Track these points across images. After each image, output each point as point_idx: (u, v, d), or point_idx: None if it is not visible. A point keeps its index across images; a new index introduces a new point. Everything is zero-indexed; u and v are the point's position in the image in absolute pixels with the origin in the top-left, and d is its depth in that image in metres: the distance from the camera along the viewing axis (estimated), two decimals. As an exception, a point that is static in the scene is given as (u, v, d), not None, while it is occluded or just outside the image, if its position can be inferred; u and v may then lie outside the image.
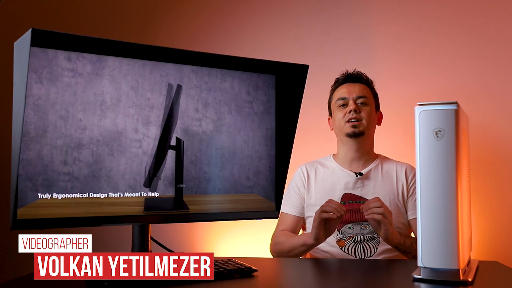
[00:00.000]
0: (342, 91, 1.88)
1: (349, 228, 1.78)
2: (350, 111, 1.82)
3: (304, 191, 1.88)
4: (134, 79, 1.43)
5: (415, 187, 1.83)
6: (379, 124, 1.94)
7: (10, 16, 2.46)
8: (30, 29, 1.18)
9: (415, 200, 1.81)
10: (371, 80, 1.93)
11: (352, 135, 1.83)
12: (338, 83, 1.92)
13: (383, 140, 2.21)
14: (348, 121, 1.83)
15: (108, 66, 1.39)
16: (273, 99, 1.65)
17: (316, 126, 2.27)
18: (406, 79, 2.39)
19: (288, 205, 1.88)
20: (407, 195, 1.83)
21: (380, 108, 1.97)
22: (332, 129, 1.93)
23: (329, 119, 1.96)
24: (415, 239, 1.70)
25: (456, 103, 1.12)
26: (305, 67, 1.60)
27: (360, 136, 1.83)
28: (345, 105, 1.85)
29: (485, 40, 2.32)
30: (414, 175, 1.86)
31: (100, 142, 1.37)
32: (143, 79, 1.44)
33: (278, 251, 1.79)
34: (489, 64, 2.31)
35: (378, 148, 1.95)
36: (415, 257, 1.31)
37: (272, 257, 1.83)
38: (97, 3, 2.56)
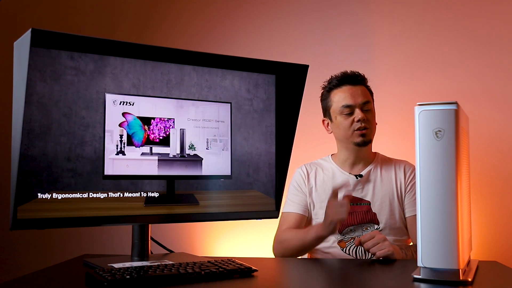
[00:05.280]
0: (345, 96, 1.79)
1: (350, 229, 1.77)
2: (359, 120, 1.76)
3: (306, 189, 1.86)
4: (136, 77, 1.43)
5: (412, 184, 1.82)
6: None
7: (10, 16, 2.46)
8: (30, 29, 1.18)
9: (412, 197, 1.81)
10: (366, 79, 1.87)
11: (362, 144, 1.79)
12: (334, 84, 1.83)
13: (382, 140, 2.21)
14: (357, 130, 1.77)
15: (110, 64, 1.40)
16: (273, 97, 1.65)
17: (316, 125, 2.26)
18: (406, 79, 2.39)
19: (291, 205, 1.85)
20: (405, 192, 1.82)
21: (380, 108, 1.97)
22: (331, 132, 1.88)
23: (323, 120, 1.90)
24: (415, 247, 1.68)
25: (456, 103, 1.12)
26: (305, 67, 1.60)
27: (369, 143, 1.82)
28: (351, 112, 1.78)
29: (485, 40, 2.32)
30: (412, 172, 1.84)
31: (102, 139, 1.38)
32: (144, 77, 1.44)
33: (285, 249, 1.74)
34: (489, 64, 2.31)
35: (378, 148, 1.95)
36: None
37: (274, 257, 1.81)
38: (97, 3, 2.56)
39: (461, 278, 1.11)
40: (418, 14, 2.39)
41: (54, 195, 1.31)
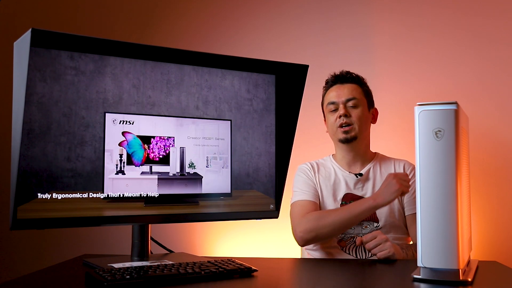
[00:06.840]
0: (331, 95, 1.85)
1: (350, 228, 1.77)
2: (341, 116, 1.80)
3: (313, 180, 1.85)
4: (136, 77, 1.43)
5: (412, 182, 1.81)
6: (374, 122, 1.92)
7: (10, 16, 2.46)
8: (30, 29, 1.18)
9: (412, 195, 1.80)
10: (361, 77, 1.89)
11: (345, 141, 1.81)
12: (327, 85, 1.90)
13: (383, 140, 2.21)
14: (340, 127, 1.81)
15: (110, 65, 1.40)
16: (273, 97, 1.65)
17: (315, 125, 2.27)
18: (406, 79, 2.39)
19: (304, 193, 1.82)
20: None
21: (380, 108, 1.96)
22: (327, 131, 1.92)
23: (325, 120, 1.94)
24: (415, 247, 1.68)
25: (456, 103, 1.12)
26: (305, 67, 1.61)
27: (353, 140, 1.82)
28: (336, 109, 1.83)
29: (485, 40, 2.32)
30: (412, 170, 1.85)
31: (102, 139, 1.38)
32: (144, 77, 1.44)
33: (324, 226, 1.67)
34: (489, 64, 2.31)
35: (378, 148, 1.95)
36: None
37: (298, 244, 1.74)
38: (97, 3, 2.56)
39: (461, 278, 1.11)
40: (418, 14, 2.39)
41: (54, 195, 1.31)
